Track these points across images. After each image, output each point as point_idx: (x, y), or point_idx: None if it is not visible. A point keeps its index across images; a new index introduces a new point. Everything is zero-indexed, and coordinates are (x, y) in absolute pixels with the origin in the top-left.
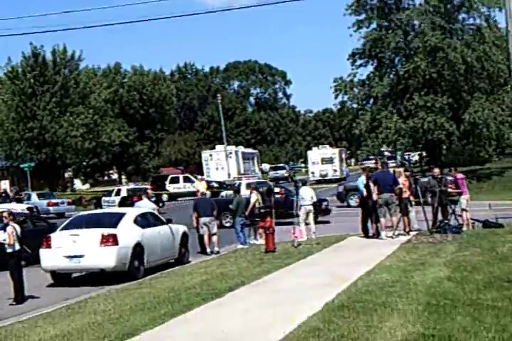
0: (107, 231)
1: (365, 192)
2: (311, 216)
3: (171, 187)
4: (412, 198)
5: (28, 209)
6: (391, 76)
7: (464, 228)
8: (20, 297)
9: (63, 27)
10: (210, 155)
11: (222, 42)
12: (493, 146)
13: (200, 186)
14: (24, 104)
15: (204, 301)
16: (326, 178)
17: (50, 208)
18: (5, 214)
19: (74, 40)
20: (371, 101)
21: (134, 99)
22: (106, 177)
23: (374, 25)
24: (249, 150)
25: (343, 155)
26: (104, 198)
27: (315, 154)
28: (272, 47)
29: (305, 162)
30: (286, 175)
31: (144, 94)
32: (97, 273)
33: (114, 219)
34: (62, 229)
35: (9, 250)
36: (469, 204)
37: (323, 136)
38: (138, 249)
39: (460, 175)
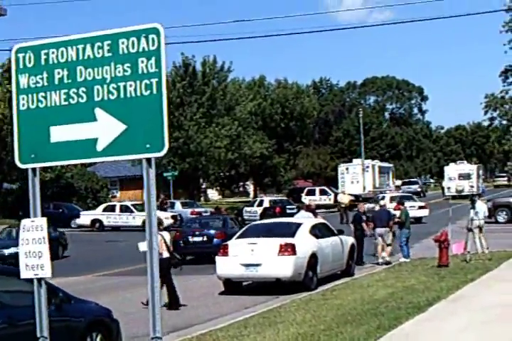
0: (284, 240)
1: None
2: (483, 231)
3: (307, 199)
4: None
5: (173, 217)
6: None
7: None
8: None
9: (210, 38)
10: (347, 168)
11: (358, 58)
12: None
13: (345, 199)
14: (171, 114)
15: (410, 315)
16: (462, 194)
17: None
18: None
19: (221, 51)
20: None
21: (276, 112)
22: (240, 189)
23: None
24: (386, 164)
25: (481, 172)
26: (245, 208)
27: (452, 170)
28: (409, 63)
29: (433, 177)
30: (419, 189)
31: (287, 107)
32: (266, 283)
33: (291, 229)
34: (238, 238)
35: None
36: None
37: (455, 153)
38: (313, 259)
39: None
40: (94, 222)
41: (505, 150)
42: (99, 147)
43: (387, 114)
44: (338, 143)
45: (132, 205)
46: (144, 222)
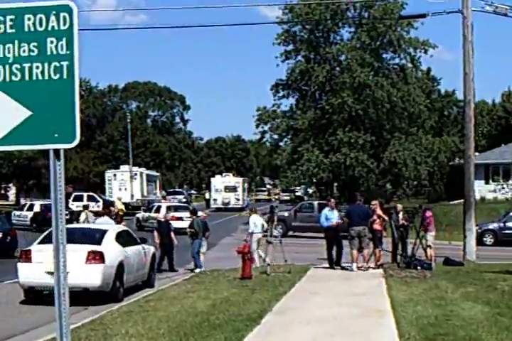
0: (92, 248)
1: (327, 223)
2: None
3: (74, 206)
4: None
5: None
6: (313, 109)
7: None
8: None
9: None
10: (114, 175)
11: (120, 61)
12: (410, 186)
13: (123, 206)
14: None
15: (247, 327)
16: (228, 207)
17: None
18: None
19: None
20: (292, 133)
21: None
22: (2, 191)
23: (300, 57)
24: (153, 172)
25: (246, 185)
26: (14, 212)
27: (218, 182)
28: (172, 71)
29: (192, 188)
30: (184, 200)
31: None
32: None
33: (97, 236)
34: (40, 243)
35: None
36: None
37: (215, 164)
38: (120, 268)
39: (429, 213)
40: None
41: (277, 165)
42: None
43: (149, 121)
44: (101, 147)
45: None
46: None
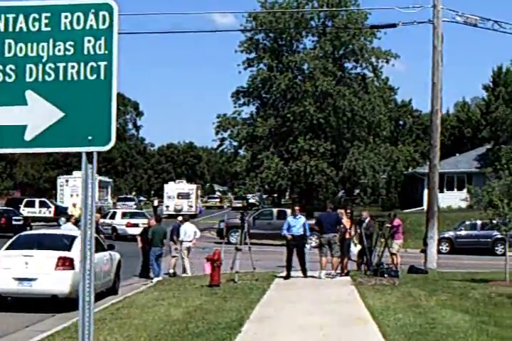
0: (61, 254)
1: (285, 232)
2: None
3: (26, 211)
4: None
5: None
6: (274, 117)
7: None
8: None
9: None
10: (67, 180)
11: None
12: (368, 194)
13: (77, 212)
14: None
15: (230, 335)
16: (180, 213)
17: None
18: None
19: None
20: (251, 139)
21: None
22: None
23: (263, 65)
24: (105, 178)
25: (199, 192)
26: None
27: (171, 188)
28: (126, 77)
29: (140, 194)
30: (135, 207)
31: None
32: (31, 299)
33: (67, 242)
34: (8, 248)
35: None
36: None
37: (166, 171)
38: None
39: (397, 221)
40: None
41: (236, 172)
42: (28, 136)
43: None
44: (52, 153)
45: None
46: None
